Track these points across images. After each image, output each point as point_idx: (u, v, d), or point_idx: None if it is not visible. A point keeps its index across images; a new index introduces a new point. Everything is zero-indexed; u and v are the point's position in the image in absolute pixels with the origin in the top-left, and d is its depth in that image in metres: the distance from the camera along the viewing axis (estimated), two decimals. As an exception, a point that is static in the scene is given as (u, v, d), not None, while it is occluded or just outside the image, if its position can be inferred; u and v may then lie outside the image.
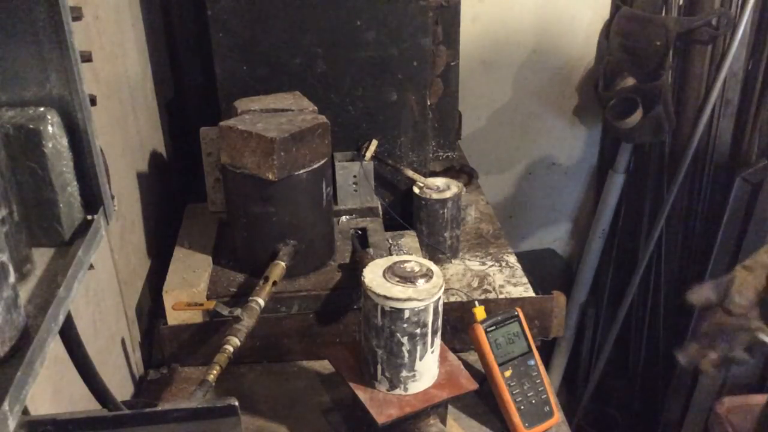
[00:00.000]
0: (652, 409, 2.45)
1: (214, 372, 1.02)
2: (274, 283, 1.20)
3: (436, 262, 1.51)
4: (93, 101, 0.66)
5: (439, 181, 1.59)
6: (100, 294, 1.09)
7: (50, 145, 0.61)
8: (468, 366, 1.18)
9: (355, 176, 1.52)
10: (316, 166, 1.26)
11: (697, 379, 2.27)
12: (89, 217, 0.67)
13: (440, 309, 1.03)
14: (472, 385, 1.09)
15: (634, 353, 2.49)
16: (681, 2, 2.09)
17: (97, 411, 0.69)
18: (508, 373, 1.14)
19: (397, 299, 0.98)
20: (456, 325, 1.29)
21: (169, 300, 1.25)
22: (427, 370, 1.06)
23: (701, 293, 1.10)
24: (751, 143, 2.12)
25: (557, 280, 2.66)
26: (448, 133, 1.92)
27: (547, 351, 2.57)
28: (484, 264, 1.60)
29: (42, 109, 0.61)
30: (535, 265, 2.51)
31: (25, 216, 0.62)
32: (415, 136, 1.54)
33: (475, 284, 1.53)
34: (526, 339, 1.17)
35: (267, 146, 1.18)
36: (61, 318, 0.59)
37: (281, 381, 1.26)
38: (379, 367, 1.05)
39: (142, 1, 1.54)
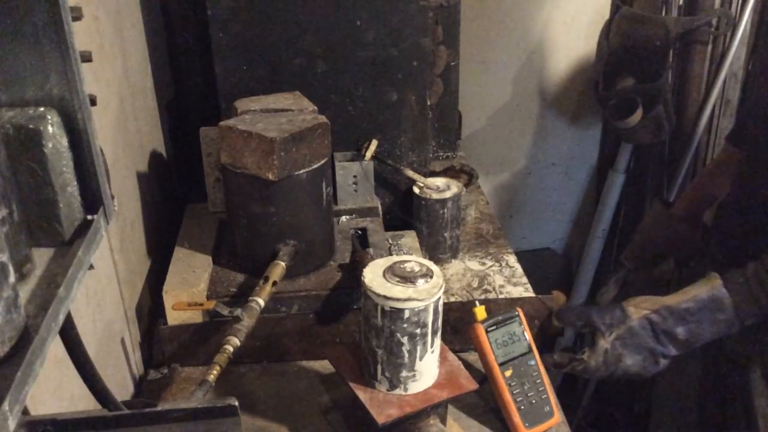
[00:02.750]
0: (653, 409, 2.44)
1: (214, 372, 1.02)
2: (274, 283, 1.20)
3: (436, 262, 1.51)
4: (93, 101, 0.66)
5: (439, 181, 1.59)
6: (100, 294, 1.09)
7: (50, 145, 0.61)
8: (468, 366, 1.18)
9: (355, 176, 1.52)
10: (316, 166, 1.26)
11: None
12: (89, 217, 0.67)
13: (440, 309, 1.03)
14: (472, 385, 1.09)
15: (634, 353, 2.49)
16: (681, 2, 2.10)
17: (97, 411, 0.69)
18: (508, 373, 1.14)
19: (397, 299, 0.98)
20: (456, 325, 1.29)
21: (169, 300, 1.25)
22: (427, 370, 1.06)
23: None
24: (751, 143, 2.12)
25: (557, 280, 2.66)
26: (448, 133, 1.92)
27: (547, 351, 2.57)
28: (484, 264, 1.60)
29: (42, 109, 0.61)
30: (535, 265, 2.51)
31: (25, 216, 0.62)
32: (415, 136, 1.54)
33: (475, 284, 1.53)
34: (526, 339, 1.17)
35: (267, 146, 1.18)
36: (61, 318, 0.59)
37: (281, 381, 1.26)
38: (379, 367, 1.05)
39: (142, 2, 1.54)
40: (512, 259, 1.62)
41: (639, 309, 1.17)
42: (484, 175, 2.39)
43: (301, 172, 1.25)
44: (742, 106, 1.80)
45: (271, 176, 1.21)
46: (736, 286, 1.17)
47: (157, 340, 1.27)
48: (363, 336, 1.06)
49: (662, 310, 1.16)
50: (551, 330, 1.30)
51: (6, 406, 0.47)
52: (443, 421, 1.11)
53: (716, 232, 1.55)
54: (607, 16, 2.25)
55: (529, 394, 1.14)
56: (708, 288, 1.17)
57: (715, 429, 1.56)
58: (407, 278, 1.01)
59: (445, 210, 1.54)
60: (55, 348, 0.61)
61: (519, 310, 1.18)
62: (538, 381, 1.16)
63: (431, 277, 1.02)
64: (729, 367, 1.47)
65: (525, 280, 1.54)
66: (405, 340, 1.01)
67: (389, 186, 1.60)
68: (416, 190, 1.56)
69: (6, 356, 0.51)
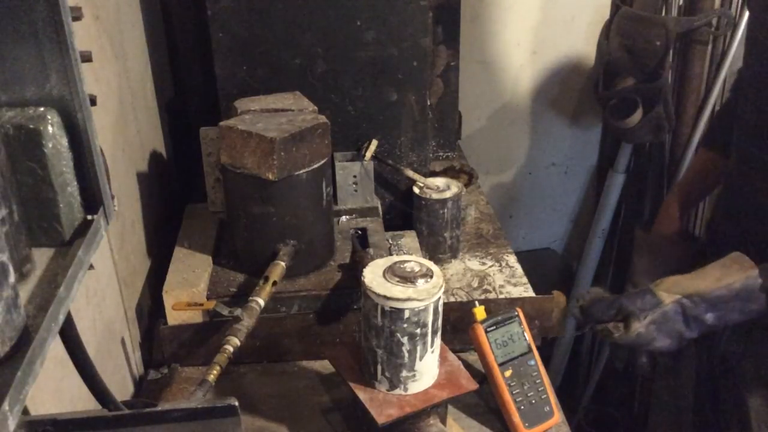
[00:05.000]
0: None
1: (214, 372, 1.02)
2: (274, 283, 1.20)
3: (436, 262, 1.51)
4: (93, 101, 0.66)
5: (439, 181, 1.59)
6: (100, 294, 1.09)
7: (50, 145, 0.61)
8: (468, 366, 1.18)
9: (355, 176, 1.52)
10: (316, 166, 1.26)
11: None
12: (89, 217, 0.67)
13: (440, 309, 1.03)
14: (472, 385, 1.09)
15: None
16: (681, 2, 2.10)
17: (97, 411, 0.69)
18: (508, 373, 1.14)
19: (397, 299, 0.98)
20: (456, 325, 1.29)
21: (169, 300, 1.25)
22: (427, 370, 1.06)
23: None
24: (751, 143, 2.11)
25: (557, 280, 2.66)
26: (448, 133, 1.92)
27: (547, 351, 2.57)
28: (484, 264, 1.60)
29: (42, 109, 0.61)
30: (535, 265, 2.51)
31: (25, 216, 0.62)
32: (415, 136, 1.54)
33: (475, 284, 1.53)
34: (526, 339, 1.17)
35: (267, 146, 1.18)
36: (61, 318, 0.59)
37: (281, 381, 1.26)
38: (379, 367, 1.05)
39: (142, 1, 1.54)
40: (512, 259, 1.62)
41: (671, 294, 1.17)
42: (484, 175, 2.39)
43: (301, 172, 1.25)
44: (724, 112, 1.77)
45: (271, 176, 1.21)
46: None
47: (157, 340, 1.27)
48: (363, 336, 1.06)
49: (695, 297, 1.16)
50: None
51: (6, 406, 0.47)
52: (443, 421, 1.11)
53: (711, 244, 1.54)
54: (607, 16, 2.25)
55: (528, 394, 1.14)
56: (743, 277, 1.16)
57: (710, 429, 1.56)
58: (407, 278, 1.01)
59: (445, 210, 1.54)
60: (55, 348, 0.61)
61: (519, 310, 1.18)
62: (537, 381, 1.16)
63: (431, 277, 1.02)
64: (722, 367, 1.46)
65: (525, 280, 1.54)
66: (405, 340, 1.01)
67: (389, 186, 1.60)
68: (416, 190, 1.56)
69: (6, 356, 0.51)
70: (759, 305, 1.17)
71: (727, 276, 1.17)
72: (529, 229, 2.63)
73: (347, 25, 1.42)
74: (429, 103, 1.55)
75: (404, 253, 1.46)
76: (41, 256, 0.63)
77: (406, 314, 0.99)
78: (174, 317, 1.26)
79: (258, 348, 1.28)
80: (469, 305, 1.20)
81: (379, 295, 0.99)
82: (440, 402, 1.07)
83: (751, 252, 1.25)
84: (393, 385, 1.05)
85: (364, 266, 1.06)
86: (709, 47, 2.08)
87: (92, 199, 0.67)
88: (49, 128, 0.61)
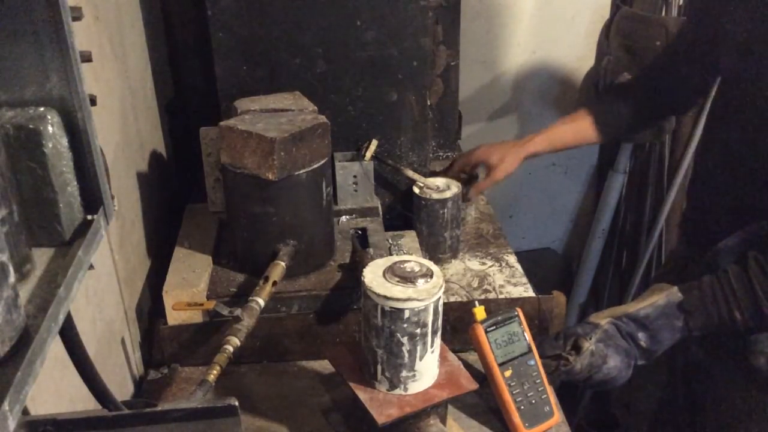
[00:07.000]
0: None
1: (214, 372, 1.02)
2: (274, 283, 1.20)
3: (436, 262, 1.51)
4: (93, 101, 0.66)
5: (439, 181, 1.59)
6: (100, 294, 1.09)
7: (50, 145, 0.61)
8: (468, 366, 1.18)
9: (355, 176, 1.52)
10: (316, 166, 1.26)
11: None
12: (89, 217, 0.67)
13: (440, 309, 1.03)
14: (472, 385, 1.09)
15: (634, 353, 2.49)
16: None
17: (97, 411, 0.69)
18: (508, 373, 1.14)
19: (397, 299, 0.98)
20: (456, 325, 1.29)
21: (169, 300, 1.25)
22: (427, 370, 1.06)
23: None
24: (751, 143, 2.11)
25: (557, 280, 2.66)
26: (448, 133, 1.92)
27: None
28: (484, 264, 1.60)
29: (42, 109, 0.61)
30: (535, 265, 2.51)
31: (25, 216, 0.62)
32: (415, 136, 1.54)
33: (475, 284, 1.53)
34: (526, 339, 1.17)
35: (267, 146, 1.18)
36: (61, 318, 0.59)
37: (281, 381, 1.26)
38: (379, 367, 1.05)
39: (142, 1, 1.54)
40: (512, 259, 1.62)
41: (603, 318, 1.24)
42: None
43: (301, 172, 1.25)
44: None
45: (271, 176, 1.21)
46: (691, 297, 1.22)
47: (157, 340, 1.27)
48: (363, 336, 1.06)
49: (623, 317, 1.23)
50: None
51: (6, 406, 0.47)
52: (443, 421, 1.11)
53: (692, 210, 1.52)
54: (607, 16, 2.25)
55: (528, 394, 1.14)
56: (665, 294, 1.23)
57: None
58: (407, 278, 1.00)
59: (445, 210, 1.54)
60: (55, 348, 0.61)
61: (519, 310, 1.18)
62: (537, 381, 1.16)
63: (431, 277, 1.02)
64: (696, 374, 1.46)
65: (525, 280, 1.54)
66: (405, 340, 1.01)
67: (389, 186, 1.60)
68: (416, 190, 1.56)
69: (6, 356, 0.51)
70: (683, 321, 1.22)
71: (651, 297, 1.24)
72: (529, 229, 2.63)
73: (347, 25, 1.42)
74: (429, 103, 1.55)
75: (404, 253, 1.46)
76: (41, 256, 0.63)
77: (406, 314, 0.99)
78: (174, 317, 1.26)
79: (258, 348, 1.28)
80: (469, 305, 1.20)
81: (379, 295, 0.99)
82: (440, 402, 1.07)
83: (730, 219, 1.25)
84: (393, 385, 1.05)
85: (364, 266, 1.06)
86: (709, 47, 2.08)
87: (92, 199, 0.67)
88: (49, 128, 0.61)
